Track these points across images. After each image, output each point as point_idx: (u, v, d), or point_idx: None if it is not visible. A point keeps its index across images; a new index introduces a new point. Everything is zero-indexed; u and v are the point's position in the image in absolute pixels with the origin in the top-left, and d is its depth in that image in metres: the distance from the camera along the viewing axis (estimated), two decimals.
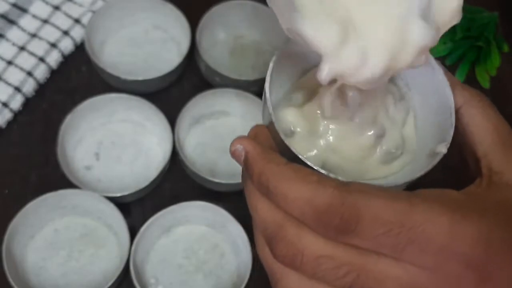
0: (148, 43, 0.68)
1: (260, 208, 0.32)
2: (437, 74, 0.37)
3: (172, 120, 0.61)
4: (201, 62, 0.65)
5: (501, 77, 0.71)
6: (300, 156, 0.32)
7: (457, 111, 0.35)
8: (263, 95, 0.35)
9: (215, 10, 0.67)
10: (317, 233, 0.30)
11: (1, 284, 0.54)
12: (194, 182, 0.62)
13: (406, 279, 0.29)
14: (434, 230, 0.29)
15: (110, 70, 0.62)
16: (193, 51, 0.66)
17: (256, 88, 0.64)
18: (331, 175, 0.32)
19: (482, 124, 0.35)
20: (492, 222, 0.30)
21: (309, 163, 0.32)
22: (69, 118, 0.60)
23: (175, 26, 0.67)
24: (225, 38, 0.70)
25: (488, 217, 0.30)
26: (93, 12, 0.67)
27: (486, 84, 0.70)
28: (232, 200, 0.61)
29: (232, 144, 0.33)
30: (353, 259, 0.30)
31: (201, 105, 0.63)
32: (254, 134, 0.34)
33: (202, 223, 0.60)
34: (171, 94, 0.66)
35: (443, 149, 0.34)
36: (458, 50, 0.71)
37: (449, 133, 0.35)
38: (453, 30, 0.72)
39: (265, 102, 0.35)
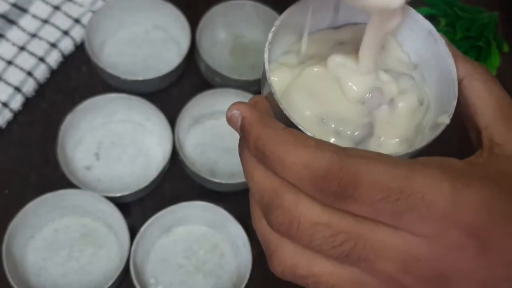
0: (148, 43, 0.68)
1: (257, 176, 0.31)
2: (440, 45, 0.36)
3: (172, 120, 0.61)
4: (201, 62, 0.65)
5: (501, 77, 0.71)
6: (299, 127, 0.32)
7: (459, 83, 0.35)
8: (262, 66, 0.35)
9: (215, 10, 0.67)
10: (315, 199, 0.29)
11: (1, 284, 0.54)
12: (194, 182, 0.62)
13: (405, 249, 0.28)
14: (434, 196, 0.28)
15: (110, 70, 0.62)
16: (193, 51, 0.66)
17: (256, 88, 0.64)
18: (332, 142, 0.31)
19: (484, 96, 0.34)
20: (494, 191, 0.29)
21: (309, 133, 0.31)
22: (69, 118, 0.60)
23: (175, 26, 0.67)
24: (225, 38, 0.70)
25: (491, 186, 0.29)
26: (93, 12, 0.67)
27: None
28: (232, 200, 0.61)
29: (228, 109, 0.32)
30: (351, 227, 0.29)
31: (201, 105, 0.63)
32: (254, 103, 0.33)
33: (202, 223, 0.60)
34: (171, 94, 0.66)
35: (445, 119, 0.34)
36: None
37: (451, 105, 0.34)
38: (453, 30, 0.72)
39: (264, 73, 0.35)
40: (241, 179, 0.59)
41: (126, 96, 0.62)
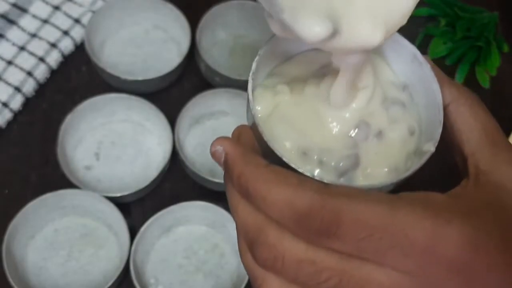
0: (148, 43, 0.69)
1: (241, 210, 0.31)
2: (425, 70, 0.36)
3: (172, 120, 0.61)
4: (201, 62, 0.65)
5: (501, 77, 0.71)
6: (284, 159, 0.32)
7: (445, 108, 0.34)
8: (247, 96, 0.35)
9: (215, 10, 0.67)
10: (298, 236, 0.29)
11: (1, 284, 0.54)
12: (194, 182, 0.62)
13: (389, 284, 0.29)
14: (416, 234, 0.28)
15: (110, 70, 0.62)
16: (193, 51, 0.66)
17: None
18: (316, 177, 0.32)
19: (470, 122, 0.34)
20: (477, 225, 0.29)
21: (293, 165, 0.32)
22: (69, 118, 0.60)
23: (175, 26, 0.67)
24: (225, 38, 0.70)
25: (473, 220, 0.29)
26: (93, 12, 0.67)
27: (486, 84, 0.70)
28: None
29: (212, 144, 0.32)
30: (335, 264, 0.29)
31: (201, 105, 0.63)
32: (238, 134, 0.34)
33: (202, 223, 0.60)
34: (171, 94, 0.67)
35: (431, 147, 0.33)
36: (458, 50, 0.71)
37: (437, 131, 0.34)
38: (453, 30, 0.72)
39: (248, 103, 0.34)
40: None
41: (126, 96, 0.62)
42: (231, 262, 0.59)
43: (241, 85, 0.63)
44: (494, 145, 0.33)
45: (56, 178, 0.59)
